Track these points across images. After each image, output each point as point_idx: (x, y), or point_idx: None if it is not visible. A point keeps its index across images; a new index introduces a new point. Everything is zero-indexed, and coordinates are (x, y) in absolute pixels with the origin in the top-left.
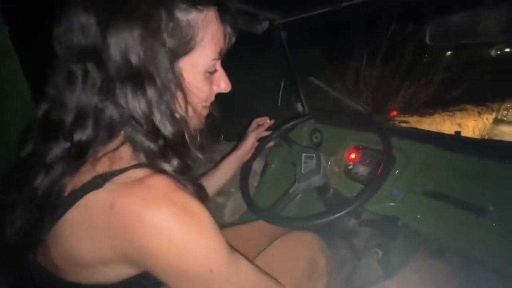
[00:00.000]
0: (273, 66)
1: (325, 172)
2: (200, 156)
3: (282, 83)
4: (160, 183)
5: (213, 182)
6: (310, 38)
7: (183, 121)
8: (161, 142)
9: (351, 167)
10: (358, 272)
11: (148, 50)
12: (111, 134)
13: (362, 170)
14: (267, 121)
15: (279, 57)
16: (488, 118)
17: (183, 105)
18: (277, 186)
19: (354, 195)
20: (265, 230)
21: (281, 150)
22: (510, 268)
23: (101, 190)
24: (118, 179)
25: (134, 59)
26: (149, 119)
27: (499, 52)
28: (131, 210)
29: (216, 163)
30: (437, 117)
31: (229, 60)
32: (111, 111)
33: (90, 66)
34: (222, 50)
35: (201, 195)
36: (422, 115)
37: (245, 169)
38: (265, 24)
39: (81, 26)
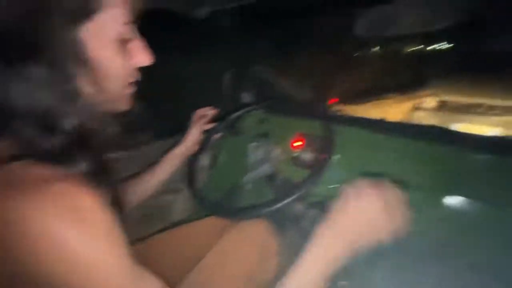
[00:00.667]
0: (218, 54)
1: (274, 160)
2: (115, 155)
3: (227, 73)
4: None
5: (152, 181)
6: (256, 26)
7: (91, 107)
8: (59, 137)
9: (297, 154)
10: None
11: (32, 12)
12: None
13: (307, 156)
14: (210, 111)
15: (223, 45)
16: (407, 106)
17: (91, 87)
18: (228, 178)
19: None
20: (217, 224)
21: (229, 141)
22: (434, 232)
23: None
24: None
25: (11, 24)
26: (40, 108)
27: (413, 49)
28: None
29: (157, 160)
30: (368, 106)
31: (167, 47)
32: None
33: None
34: (135, 12)
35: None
36: (356, 104)
37: (192, 164)
38: (206, 9)
39: None
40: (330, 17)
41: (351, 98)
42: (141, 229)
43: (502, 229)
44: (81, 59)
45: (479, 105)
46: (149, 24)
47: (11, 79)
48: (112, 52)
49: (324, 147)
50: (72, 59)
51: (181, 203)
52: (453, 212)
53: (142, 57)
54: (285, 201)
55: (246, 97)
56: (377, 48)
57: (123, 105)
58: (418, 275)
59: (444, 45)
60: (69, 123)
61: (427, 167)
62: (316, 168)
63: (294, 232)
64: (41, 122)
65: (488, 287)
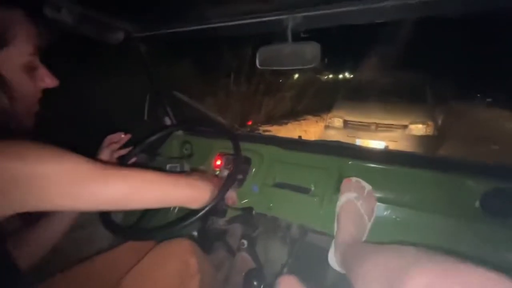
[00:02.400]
0: (138, 79)
1: None
2: None
3: (148, 97)
4: None
5: (61, 219)
6: (174, 53)
7: (8, 114)
8: None
9: (218, 172)
10: (234, 267)
11: None
12: None
13: (225, 175)
14: (122, 136)
15: (142, 70)
16: (322, 125)
17: (6, 99)
18: None
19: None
20: (137, 248)
21: (147, 164)
22: (330, 230)
23: None
24: None
25: None
26: None
27: (326, 77)
28: None
29: None
30: (290, 126)
31: (89, 71)
32: None
33: None
34: (38, 47)
35: None
36: (280, 124)
37: None
38: (120, 35)
39: None
40: (244, 49)
41: (273, 119)
42: (58, 264)
43: (386, 221)
44: None
45: (371, 124)
46: (66, 50)
47: None
48: (20, 76)
49: (235, 165)
50: None
51: (99, 234)
52: None
53: (48, 80)
54: (190, 221)
55: (167, 120)
56: (296, 76)
57: (29, 118)
58: None
59: (346, 76)
60: None
61: (325, 176)
62: (222, 185)
63: (219, 247)
64: None
65: None
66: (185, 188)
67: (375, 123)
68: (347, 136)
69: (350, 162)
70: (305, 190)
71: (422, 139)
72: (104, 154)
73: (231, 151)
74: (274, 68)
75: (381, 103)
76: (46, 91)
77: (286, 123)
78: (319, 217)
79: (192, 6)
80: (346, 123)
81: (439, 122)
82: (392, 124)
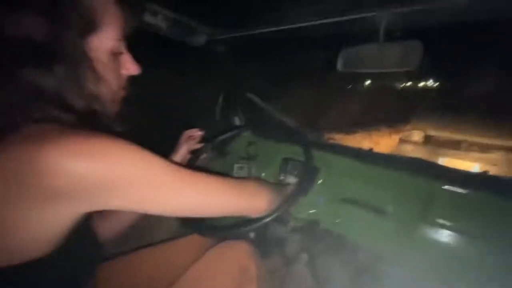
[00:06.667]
0: (213, 79)
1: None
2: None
3: (220, 97)
4: None
5: None
6: (249, 55)
7: (95, 97)
8: (73, 115)
9: (282, 177)
10: (290, 278)
11: (52, 29)
12: (21, 112)
13: (292, 180)
14: (198, 132)
15: (218, 71)
16: (396, 138)
17: (94, 83)
18: None
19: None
20: (197, 243)
21: (216, 161)
22: (410, 262)
23: None
24: None
25: (38, 38)
26: (60, 95)
27: (403, 85)
28: None
29: None
30: (358, 136)
31: (167, 70)
32: (16, 91)
33: None
34: (124, 32)
35: None
36: (347, 133)
37: None
38: (203, 38)
39: None
40: (319, 51)
41: (341, 128)
42: (122, 247)
43: (477, 259)
44: (86, 64)
45: (461, 142)
46: (152, 49)
47: (42, 75)
48: (109, 61)
49: (304, 172)
50: (80, 64)
51: (167, 223)
52: (429, 242)
53: (132, 68)
54: (257, 224)
55: (237, 121)
56: (368, 83)
57: (115, 104)
58: None
59: (431, 83)
60: (79, 106)
61: (407, 198)
62: (292, 192)
63: (278, 257)
64: (62, 104)
65: None
66: (247, 198)
67: (467, 141)
68: (428, 153)
69: (445, 187)
70: (380, 211)
71: None
72: (182, 149)
73: (297, 157)
74: (358, 71)
75: (480, 117)
76: (131, 84)
77: (354, 132)
78: (397, 244)
79: (275, 7)
80: (427, 138)
81: None
82: (492, 144)
